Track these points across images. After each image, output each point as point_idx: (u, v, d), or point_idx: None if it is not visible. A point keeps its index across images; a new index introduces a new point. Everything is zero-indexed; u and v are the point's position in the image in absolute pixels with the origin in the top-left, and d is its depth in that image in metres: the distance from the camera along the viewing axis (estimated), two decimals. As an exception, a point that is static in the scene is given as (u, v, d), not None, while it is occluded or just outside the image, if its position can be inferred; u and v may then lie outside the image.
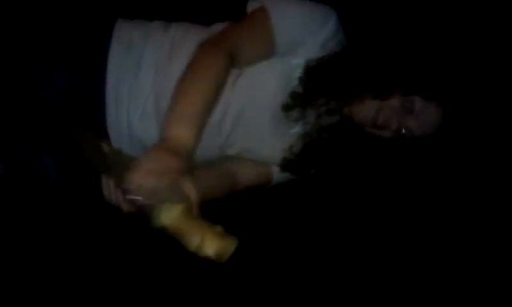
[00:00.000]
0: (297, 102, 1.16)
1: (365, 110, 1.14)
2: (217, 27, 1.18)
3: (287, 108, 1.17)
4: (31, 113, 1.16)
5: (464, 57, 1.23)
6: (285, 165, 1.23)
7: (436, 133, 1.15)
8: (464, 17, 1.96)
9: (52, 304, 1.94)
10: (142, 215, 0.91)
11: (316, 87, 1.15)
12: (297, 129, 1.21)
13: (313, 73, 1.15)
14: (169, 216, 0.87)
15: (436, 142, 1.19)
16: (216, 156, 1.22)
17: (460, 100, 1.15)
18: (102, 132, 1.16)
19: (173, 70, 1.10)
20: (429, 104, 1.12)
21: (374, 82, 1.12)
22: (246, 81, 1.15)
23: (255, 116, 1.17)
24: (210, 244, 0.87)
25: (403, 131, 1.13)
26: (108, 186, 0.96)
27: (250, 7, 1.16)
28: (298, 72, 1.15)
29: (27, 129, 1.20)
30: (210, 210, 0.95)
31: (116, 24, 1.19)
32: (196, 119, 0.97)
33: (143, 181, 0.86)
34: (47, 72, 1.13)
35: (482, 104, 1.25)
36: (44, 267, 1.98)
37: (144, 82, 1.14)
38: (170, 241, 0.88)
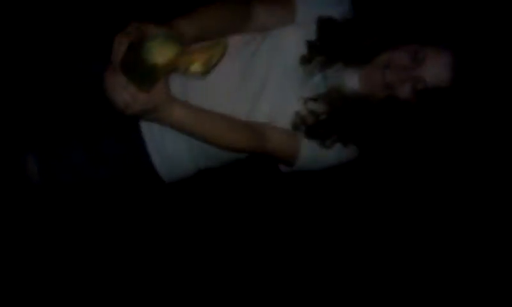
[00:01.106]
0: (313, 51, 1.21)
1: (375, 68, 1.18)
2: None
3: (304, 60, 1.21)
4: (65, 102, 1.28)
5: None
6: (299, 122, 1.23)
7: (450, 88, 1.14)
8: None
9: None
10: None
11: (330, 36, 1.20)
12: (316, 86, 1.24)
13: (328, 23, 1.22)
14: (164, 53, 0.93)
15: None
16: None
17: (466, 49, 1.16)
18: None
19: None
20: (435, 51, 1.15)
21: (380, 35, 1.17)
22: (267, 48, 1.22)
23: (278, 80, 1.22)
24: (198, 59, 0.94)
25: (417, 83, 1.14)
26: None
27: None
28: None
29: (56, 122, 1.29)
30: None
31: None
32: (196, 23, 1.08)
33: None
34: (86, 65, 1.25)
35: (493, 55, 1.22)
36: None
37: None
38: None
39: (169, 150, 1.28)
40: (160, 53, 0.92)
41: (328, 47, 1.21)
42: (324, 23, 1.21)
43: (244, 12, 1.19)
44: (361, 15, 1.22)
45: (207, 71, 0.95)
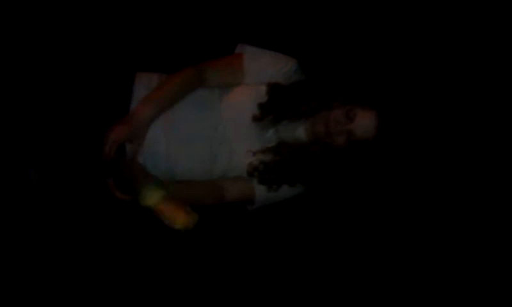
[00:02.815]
0: (264, 111, 1.46)
1: (318, 121, 1.45)
2: None
3: (255, 118, 1.46)
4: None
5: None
6: (252, 171, 1.48)
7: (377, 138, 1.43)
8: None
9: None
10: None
11: (279, 97, 1.46)
12: (268, 139, 1.49)
13: (276, 88, 1.48)
14: (153, 199, 1.25)
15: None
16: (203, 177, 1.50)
17: (388, 106, 1.45)
18: None
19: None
20: (364, 110, 1.42)
21: (319, 97, 1.45)
22: (224, 107, 1.46)
23: (235, 136, 1.47)
24: (179, 219, 1.24)
25: (350, 136, 1.41)
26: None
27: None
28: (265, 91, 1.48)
29: (60, 141, 1.45)
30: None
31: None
32: (155, 103, 1.38)
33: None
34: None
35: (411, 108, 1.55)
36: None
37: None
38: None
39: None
40: (152, 198, 1.24)
41: (277, 107, 1.45)
42: (273, 89, 1.47)
43: (196, 81, 1.44)
44: (303, 82, 1.49)
45: (184, 230, 1.24)
